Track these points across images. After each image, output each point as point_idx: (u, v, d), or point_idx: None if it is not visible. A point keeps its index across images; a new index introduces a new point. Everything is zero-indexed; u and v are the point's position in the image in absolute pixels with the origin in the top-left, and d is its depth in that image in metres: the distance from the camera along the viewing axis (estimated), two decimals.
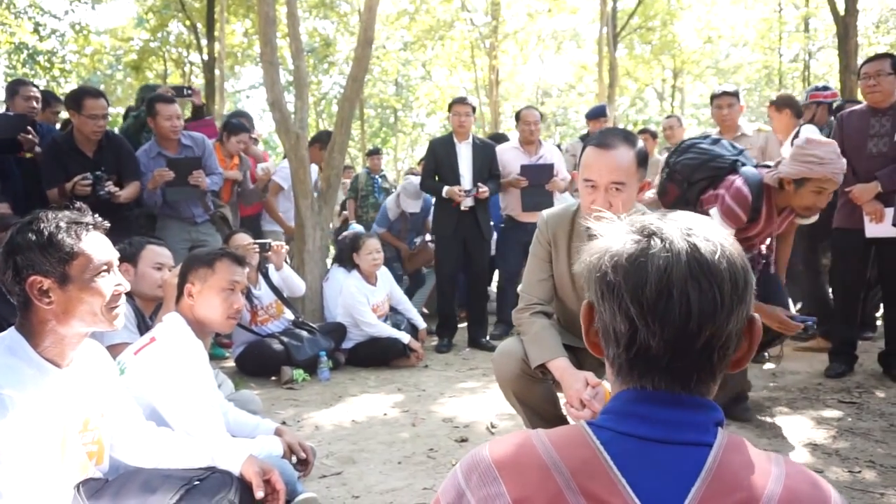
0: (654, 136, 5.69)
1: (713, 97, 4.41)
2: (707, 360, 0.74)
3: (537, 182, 4.80)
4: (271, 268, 4.25)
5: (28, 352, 1.43)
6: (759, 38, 18.97)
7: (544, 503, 0.70)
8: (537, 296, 2.26)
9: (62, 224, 1.44)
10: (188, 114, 5.60)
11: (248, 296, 3.90)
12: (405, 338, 4.31)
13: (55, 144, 3.85)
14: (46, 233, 1.41)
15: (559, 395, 2.26)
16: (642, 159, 2.02)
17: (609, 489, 0.70)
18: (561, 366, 2.05)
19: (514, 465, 0.74)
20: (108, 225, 1.58)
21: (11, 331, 1.46)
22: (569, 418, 2.04)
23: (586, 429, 0.76)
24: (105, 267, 1.49)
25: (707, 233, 0.74)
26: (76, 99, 3.77)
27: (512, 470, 0.74)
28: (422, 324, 4.75)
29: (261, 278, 4.14)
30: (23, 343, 1.44)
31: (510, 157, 5.05)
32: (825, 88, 5.34)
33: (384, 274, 4.63)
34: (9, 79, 14.91)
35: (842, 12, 9.19)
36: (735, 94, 4.31)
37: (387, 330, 4.33)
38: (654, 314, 0.71)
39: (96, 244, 1.49)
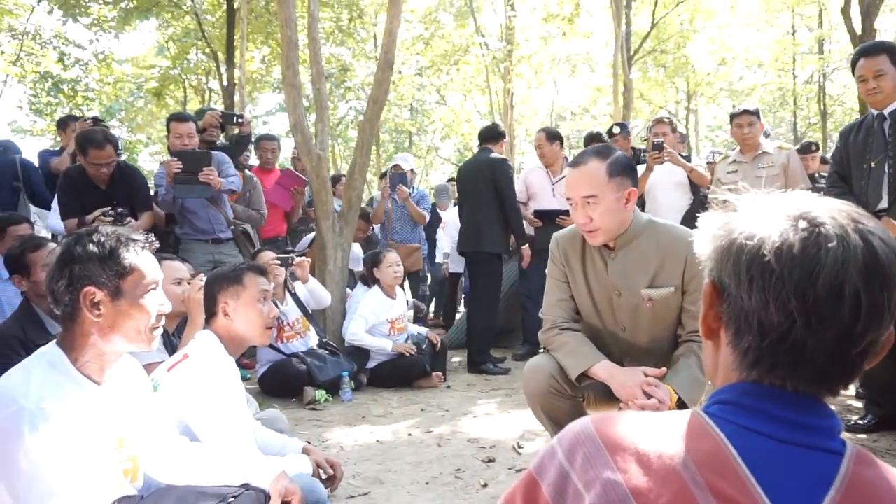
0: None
1: (733, 116, 4.40)
2: (858, 366, 0.70)
3: (550, 222, 4.80)
4: (297, 284, 4.28)
5: (68, 367, 1.44)
6: (773, 60, 18.99)
7: (668, 498, 0.64)
8: (559, 315, 2.25)
9: (122, 239, 1.47)
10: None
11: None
12: (388, 345, 4.28)
13: (69, 177, 3.92)
14: (108, 246, 1.44)
15: (589, 413, 2.24)
16: (617, 169, 2.03)
17: (739, 488, 0.64)
18: (607, 367, 2.04)
19: (630, 451, 0.68)
20: (158, 245, 1.61)
21: (52, 345, 1.47)
22: None
23: (705, 418, 0.70)
24: (154, 285, 1.52)
25: (877, 228, 0.69)
26: (82, 146, 3.79)
27: (628, 456, 0.68)
28: (435, 337, 4.75)
29: (287, 294, 4.15)
30: (63, 358, 1.44)
31: (534, 179, 5.13)
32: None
33: (400, 290, 4.67)
34: (34, 107, 15.25)
35: (858, 32, 9.18)
36: (755, 113, 4.29)
37: (376, 343, 4.28)
38: (821, 312, 0.65)
39: (149, 262, 1.52)
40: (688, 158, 4.83)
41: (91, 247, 1.43)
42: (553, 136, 5.14)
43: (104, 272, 1.42)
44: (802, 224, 0.68)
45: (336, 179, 5.98)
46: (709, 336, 0.77)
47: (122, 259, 1.44)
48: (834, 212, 0.69)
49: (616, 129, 5.64)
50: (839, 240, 0.66)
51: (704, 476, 0.65)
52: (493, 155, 4.81)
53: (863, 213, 0.70)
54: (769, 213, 0.70)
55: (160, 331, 1.56)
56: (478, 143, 5.11)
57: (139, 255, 1.48)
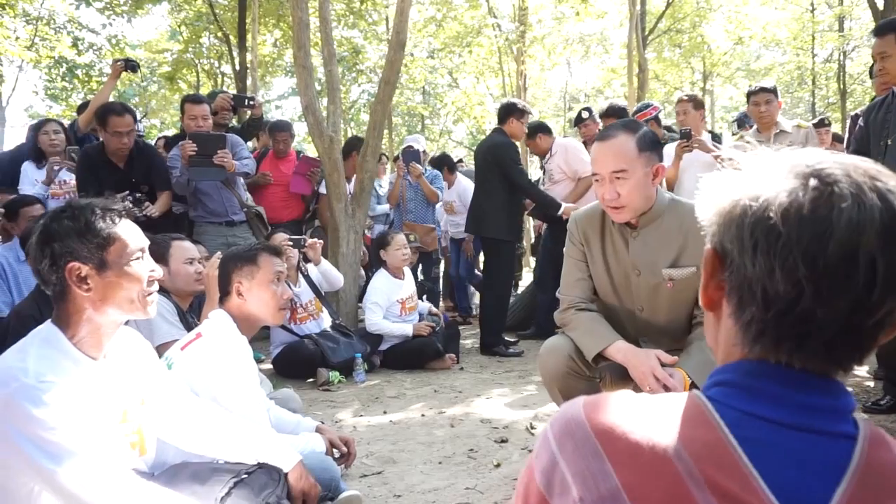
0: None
1: (749, 94, 4.32)
2: (873, 340, 0.62)
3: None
4: (310, 266, 4.30)
5: (64, 343, 1.43)
6: (791, 38, 18.61)
7: (662, 493, 0.59)
8: (577, 295, 2.23)
9: (97, 210, 1.44)
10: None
11: None
12: (409, 329, 4.32)
13: (87, 156, 3.95)
14: (83, 219, 1.41)
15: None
16: (646, 144, 2.00)
17: (741, 483, 0.59)
18: (622, 347, 2.02)
19: (622, 440, 0.63)
20: (137, 213, 1.59)
21: (47, 324, 1.46)
22: None
23: (705, 403, 0.64)
24: (140, 252, 1.49)
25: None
26: (101, 116, 3.84)
27: (619, 446, 0.63)
28: (441, 313, 4.81)
29: (300, 276, 4.17)
30: (58, 335, 1.43)
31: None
32: (646, 106, 5.27)
33: (407, 270, 4.68)
34: (49, 92, 15.33)
35: (881, 7, 8.98)
36: (773, 91, 4.22)
37: (397, 329, 4.33)
38: (833, 278, 0.58)
39: (130, 230, 1.49)
40: (715, 137, 4.76)
41: (67, 222, 1.41)
42: (531, 133, 5.24)
43: (85, 246, 1.40)
44: (813, 182, 0.60)
45: None
46: (709, 307, 0.71)
47: (100, 230, 1.42)
48: (850, 168, 0.61)
49: (584, 115, 5.56)
50: (854, 199, 0.59)
51: (701, 469, 0.60)
52: (499, 139, 4.78)
53: (883, 171, 0.62)
54: (777, 172, 0.63)
55: (155, 297, 1.53)
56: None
57: (118, 224, 1.46)
